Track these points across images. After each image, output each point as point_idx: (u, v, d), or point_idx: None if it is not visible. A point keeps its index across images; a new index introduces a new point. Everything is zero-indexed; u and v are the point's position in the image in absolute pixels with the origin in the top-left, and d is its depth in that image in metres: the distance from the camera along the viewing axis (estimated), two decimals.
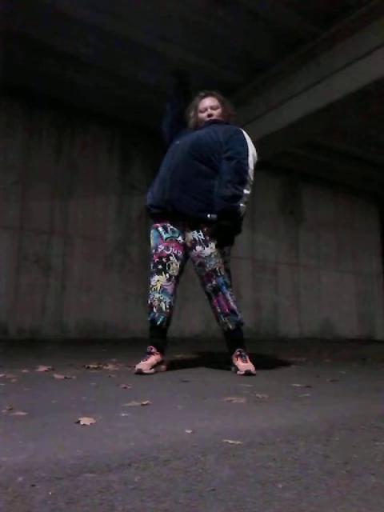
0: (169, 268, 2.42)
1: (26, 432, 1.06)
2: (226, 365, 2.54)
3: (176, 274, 2.45)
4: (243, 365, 2.34)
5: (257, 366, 2.35)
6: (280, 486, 0.77)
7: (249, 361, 2.38)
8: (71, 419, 1.19)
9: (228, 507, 0.68)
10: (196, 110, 2.68)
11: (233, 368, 2.43)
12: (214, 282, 2.42)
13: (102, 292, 6.31)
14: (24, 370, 2.20)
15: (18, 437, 1.02)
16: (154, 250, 2.47)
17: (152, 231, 2.53)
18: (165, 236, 2.46)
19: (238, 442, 1.01)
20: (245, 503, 0.69)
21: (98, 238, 6.42)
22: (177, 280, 2.46)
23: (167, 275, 2.41)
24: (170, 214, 2.45)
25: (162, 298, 2.39)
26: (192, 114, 2.70)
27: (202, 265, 2.42)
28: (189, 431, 1.09)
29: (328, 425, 1.21)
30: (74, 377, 2.03)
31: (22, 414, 1.25)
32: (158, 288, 2.40)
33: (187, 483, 0.77)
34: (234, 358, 2.42)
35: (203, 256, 2.40)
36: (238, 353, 2.41)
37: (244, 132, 2.54)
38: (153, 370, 2.26)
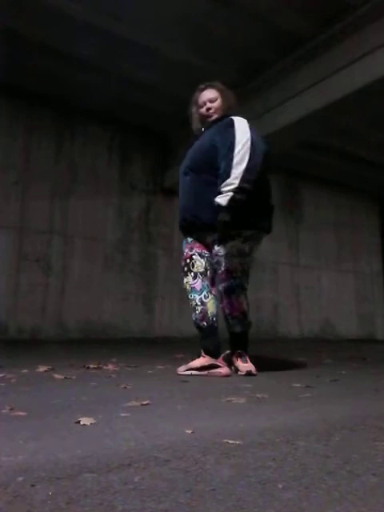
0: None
1: (26, 432, 1.06)
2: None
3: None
4: (244, 365, 2.34)
5: (257, 366, 2.35)
6: (280, 486, 0.77)
7: (249, 361, 2.38)
8: (71, 419, 1.19)
9: (228, 507, 0.68)
10: (196, 105, 2.60)
11: (233, 368, 2.43)
12: (226, 283, 2.43)
13: (102, 292, 6.31)
14: (24, 370, 2.20)
15: (18, 437, 1.02)
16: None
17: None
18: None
19: (238, 442, 1.00)
20: (245, 503, 0.69)
21: (98, 238, 6.41)
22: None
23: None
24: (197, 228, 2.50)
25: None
26: (194, 109, 2.63)
27: (218, 263, 2.44)
28: (189, 431, 1.09)
29: (328, 425, 1.21)
30: (74, 377, 2.03)
31: (22, 414, 1.25)
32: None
33: (187, 483, 0.77)
34: (234, 357, 2.43)
35: (219, 254, 2.40)
36: (239, 353, 2.42)
37: (237, 120, 2.38)
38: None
